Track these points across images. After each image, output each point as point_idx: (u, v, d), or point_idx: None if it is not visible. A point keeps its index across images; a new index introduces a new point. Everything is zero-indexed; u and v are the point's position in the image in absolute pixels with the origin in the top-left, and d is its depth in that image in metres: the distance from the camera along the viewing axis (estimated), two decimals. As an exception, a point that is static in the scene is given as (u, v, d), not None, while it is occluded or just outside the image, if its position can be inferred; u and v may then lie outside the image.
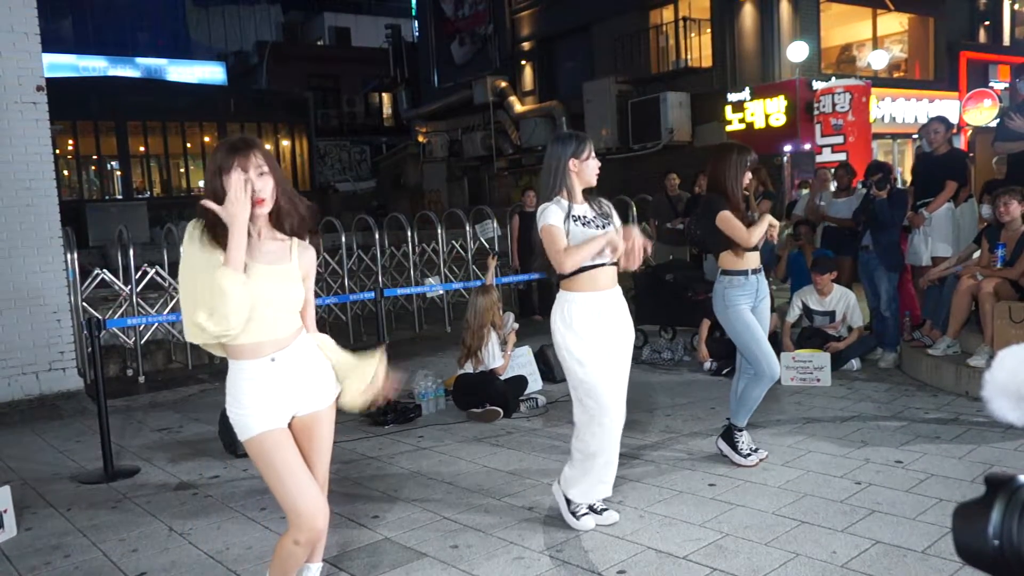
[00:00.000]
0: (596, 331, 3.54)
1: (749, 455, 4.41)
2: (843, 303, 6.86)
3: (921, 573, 3.06)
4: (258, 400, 2.51)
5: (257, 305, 2.44)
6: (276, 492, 2.55)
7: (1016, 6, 21.86)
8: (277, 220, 2.52)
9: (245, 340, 2.47)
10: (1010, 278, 5.79)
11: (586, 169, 3.64)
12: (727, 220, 4.28)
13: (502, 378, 5.97)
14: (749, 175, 4.42)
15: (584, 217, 3.59)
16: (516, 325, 6.33)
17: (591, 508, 3.75)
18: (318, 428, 2.61)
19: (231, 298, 2.34)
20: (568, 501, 3.74)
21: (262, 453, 2.51)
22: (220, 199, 2.39)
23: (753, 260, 4.40)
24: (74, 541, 3.89)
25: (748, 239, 4.28)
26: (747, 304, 4.39)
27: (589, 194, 3.72)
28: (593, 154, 3.68)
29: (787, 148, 14.69)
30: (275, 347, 2.51)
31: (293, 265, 2.55)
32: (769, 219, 4.37)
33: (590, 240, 3.48)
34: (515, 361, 6.26)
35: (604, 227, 3.60)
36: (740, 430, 4.48)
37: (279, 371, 2.52)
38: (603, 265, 3.56)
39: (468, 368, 6.05)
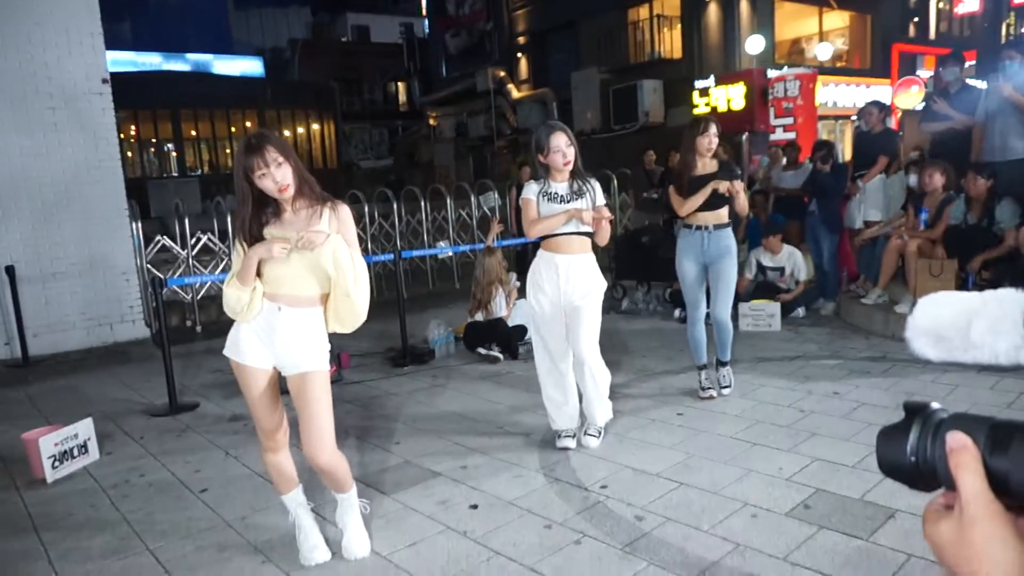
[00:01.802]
0: (550, 285, 3.68)
1: (706, 389, 4.45)
2: (791, 260, 6.86)
3: (852, 483, 3.11)
4: (256, 334, 2.54)
5: (278, 265, 2.49)
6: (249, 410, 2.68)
7: (941, 4, 21.50)
8: (301, 191, 2.52)
9: (266, 288, 2.53)
10: (931, 238, 5.79)
11: (550, 163, 3.62)
12: (670, 194, 4.39)
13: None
14: (707, 139, 4.22)
15: (556, 194, 3.64)
16: (518, 283, 6.32)
17: (586, 432, 3.80)
18: (306, 388, 2.54)
19: (230, 299, 2.52)
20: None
21: (242, 380, 2.60)
22: (249, 197, 2.47)
23: (700, 218, 4.31)
24: (147, 463, 3.94)
25: (679, 209, 4.33)
26: (691, 255, 4.35)
27: (575, 173, 3.65)
28: (557, 147, 3.54)
29: (744, 136, 14.60)
30: (287, 301, 2.52)
31: (322, 227, 2.50)
32: (709, 190, 4.17)
33: (551, 215, 3.60)
34: (516, 312, 6.27)
35: (571, 202, 3.62)
36: (698, 369, 4.53)
37: (281, 321, 2.52)
38: (569, 234, 3.62)
39: (479, 317, 6.06)
